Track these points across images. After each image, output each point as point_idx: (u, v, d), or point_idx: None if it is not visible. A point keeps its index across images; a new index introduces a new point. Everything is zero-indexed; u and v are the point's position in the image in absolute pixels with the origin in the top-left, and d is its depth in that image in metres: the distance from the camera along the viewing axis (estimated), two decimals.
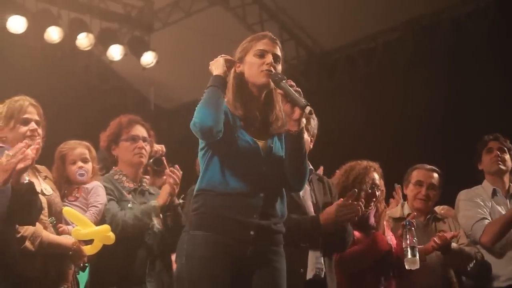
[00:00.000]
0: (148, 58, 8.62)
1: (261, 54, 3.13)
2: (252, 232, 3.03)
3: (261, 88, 3.15)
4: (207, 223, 3.04)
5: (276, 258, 3.12)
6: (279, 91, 3.06)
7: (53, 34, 8.11)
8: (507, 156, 4.82)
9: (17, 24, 7.82)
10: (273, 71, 3.10)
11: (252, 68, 3.12)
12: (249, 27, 8.65)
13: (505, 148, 4.83)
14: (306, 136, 3.60)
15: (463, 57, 7.58)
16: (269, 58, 3.12)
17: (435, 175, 4.75)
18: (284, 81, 3.04)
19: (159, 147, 4.42)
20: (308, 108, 2.97)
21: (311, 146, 3.88)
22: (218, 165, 3.09)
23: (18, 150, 3.12)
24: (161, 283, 3.95)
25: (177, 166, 4.15)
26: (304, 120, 3.10)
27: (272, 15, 8.73)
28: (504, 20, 7.40)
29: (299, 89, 3.03)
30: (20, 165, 3.14)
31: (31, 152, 3.16)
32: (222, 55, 3.21)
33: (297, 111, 3.02)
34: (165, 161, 4.35)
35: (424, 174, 4.75)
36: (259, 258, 3.06)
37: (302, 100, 2.98)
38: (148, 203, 3.97)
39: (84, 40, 8.32)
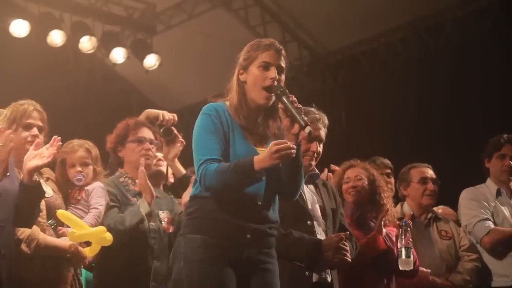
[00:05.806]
0: (151, 61, 8.62)
1: (266, 67, 3.10)
2: (248, 235, 3.04)
3: (261, 105, 3.13)
4: (204, 226, 3.03)
5: (270, 260, 3.13)
6: (280, 105, 3.05)
7: (56, 37, 8.10)
8: None
9: (19, 28, 7.84)
10: (275, 84, 3.08)
11: (256, 81, 3.10)
12: (251, 29, 8.65)
13: None
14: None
15: (466, 57, 7.57)
16: (273, 72, 3.09)
17: (432, 171, 4.79)
18: (285, 96, 3.02)
19: (171, 116, 4.35)
20: (308, 129, 2.95)
21: (320, 151, 3.86)
22: None
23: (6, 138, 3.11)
24: (165, 287, 3.93)
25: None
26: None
27: (274, 17, 8.73)
28: (507, 19, 7.38)
29: (300, 106, 3.02)
30: (37, 162, 3.13)
31: (47, 151, 3.15)
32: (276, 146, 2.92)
33: (296, 127, 3.00)
34: (175, 130, 4.32)
35: (426, 171, 4.78)
36: (254, 260, 3.07)
37: (303, 119, 2.97)
38: (136, 203, 3.95)
39: (87, 44, 8.32)
